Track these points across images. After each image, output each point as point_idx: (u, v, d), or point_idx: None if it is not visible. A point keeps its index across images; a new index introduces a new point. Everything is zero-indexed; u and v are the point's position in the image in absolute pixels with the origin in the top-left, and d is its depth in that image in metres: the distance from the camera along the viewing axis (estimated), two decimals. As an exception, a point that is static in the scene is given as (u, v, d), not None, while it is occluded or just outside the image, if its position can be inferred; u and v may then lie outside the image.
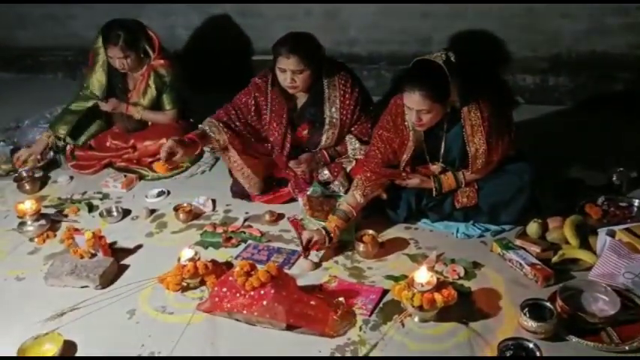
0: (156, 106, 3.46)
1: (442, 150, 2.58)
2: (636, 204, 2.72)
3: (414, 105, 2.35)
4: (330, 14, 4.15)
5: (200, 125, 2.90)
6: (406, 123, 2.53)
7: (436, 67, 2.32)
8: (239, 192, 3.05)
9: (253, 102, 2.93)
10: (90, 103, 3.49)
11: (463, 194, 2.63)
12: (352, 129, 2.97)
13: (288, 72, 2.74)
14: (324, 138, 2.95)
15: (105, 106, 3.45)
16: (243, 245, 2.69)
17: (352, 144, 2.97)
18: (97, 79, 3.44)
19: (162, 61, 3.40)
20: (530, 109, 3.84)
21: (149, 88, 3.40)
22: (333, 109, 2.88)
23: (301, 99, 2.94)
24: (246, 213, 2.94)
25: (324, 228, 2.53)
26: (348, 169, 2.93)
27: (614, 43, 3.70)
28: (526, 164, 2.62)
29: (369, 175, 2.60)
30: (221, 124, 2.86)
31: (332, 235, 2.51)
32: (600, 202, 2.72)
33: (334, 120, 2.90)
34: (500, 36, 3.91)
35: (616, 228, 2.39)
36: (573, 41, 3.79)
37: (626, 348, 1.95)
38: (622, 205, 2.71)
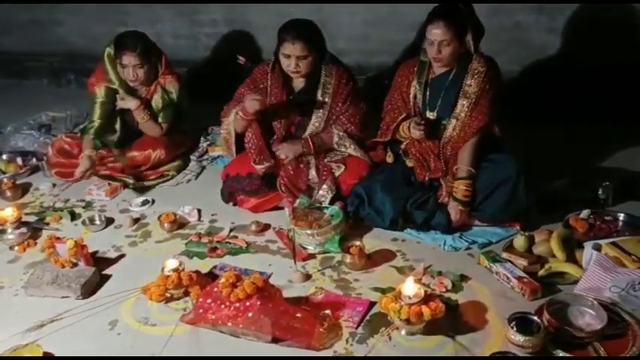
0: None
1: (440, 99, 2.76)
2: (621, 218, 2.73)
3: (437, 36, 2.58)
4: (319, 25, 4.15)
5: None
6: (413, 87, 2.81)
7: (457, 8, 2.61)
8: (230, 192, 3.02)
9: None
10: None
11: (447, 191, 2.69)
12: (340, 117, 3.03)
13: (293, 57, 2.86)
14: (312, 119, 3.03)
15: (126, 103, 3.33)
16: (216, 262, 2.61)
17: (338, 131, 3.02)
18: (116, 78, 3.33)
19: (170, 77, 3.38)
20: (516, 122, 3.85)
21: (152, 103, 3.37)
22: (326, 95, 3.00)
23: (298, 83, 3.05)
24: (232, 223, 2.91)
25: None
26: (336, 174, 2.93)
27: (599, 58, 3.74)
28: (509, 156, 2.71)
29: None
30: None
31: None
32: (586, 216, 2.72)
33: (324, 105, 3.00)
34: (487, 49, 3.93)
35: (602, 242, 2.39)
36: (560, 55, 3.83)
37: (613, 363, 1.95)
38: (607, 219, 2.71)
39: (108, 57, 3.32)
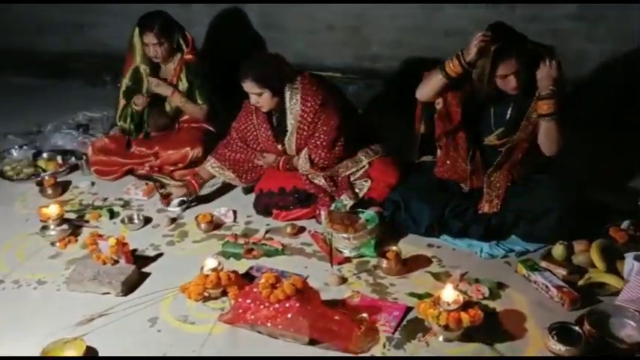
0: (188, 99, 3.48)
1: (509, 113, 2.67)
2: (662, 229, 2.68)
3: (512, 68, 2.49)
4: (353, 29, 4.16)
5: (205, 167, 3.17)
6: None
7: (518, 36, 2.53)
8: (265, 207, 3.01)
9: (244, 126, 3.11)
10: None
11: (487, 200, 2.65)
12: (309, 144, 2.98)
13: (251, 95, 2.88)
14: (283, 144, 3.03)
15: (160, 89, 3.43)
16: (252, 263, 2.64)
17: (304, 158, 2.99)
18: (141, 55, 3.43)
19: (193, 57, 3.44)
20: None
21: (180, 81, 3.44)
22: (292, 119, 2.95)
23: (276, 114, 3.05)
24: (267, 225, 2.93)
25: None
26: (364, 192, 2.94)
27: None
28: (567, 183, 2.65)
29: None
30: (226, 163, 3.13)
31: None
32: (625, 227, 2.68)
33: (293, 128, 2.97)
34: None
35: (644, 253, 2.36)
36: (599, 64, 3.77)
37: (656, 376, 1.92)
38: (648, 231, 2.68)
39: (136, 36, 3.41)
